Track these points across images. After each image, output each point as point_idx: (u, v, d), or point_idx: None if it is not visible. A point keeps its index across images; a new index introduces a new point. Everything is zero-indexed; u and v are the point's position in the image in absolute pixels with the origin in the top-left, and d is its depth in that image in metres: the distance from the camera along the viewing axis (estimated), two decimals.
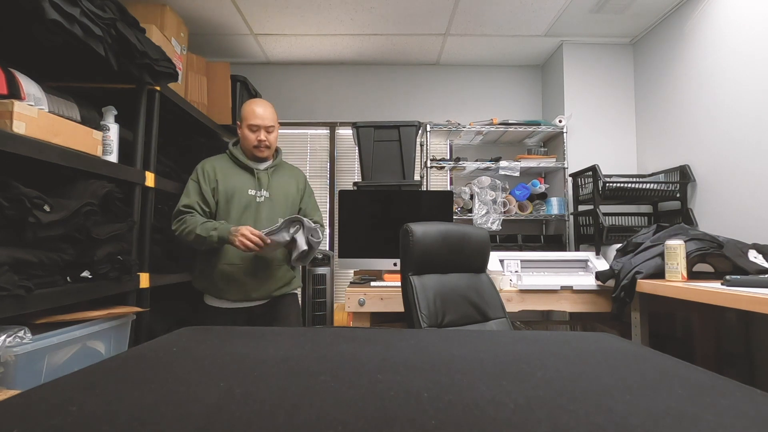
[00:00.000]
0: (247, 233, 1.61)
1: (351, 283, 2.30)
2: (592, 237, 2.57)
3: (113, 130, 1.65)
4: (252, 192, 1.80)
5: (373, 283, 2.20)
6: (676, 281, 1.73)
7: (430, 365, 0.35)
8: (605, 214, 2.54)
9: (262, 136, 1.79)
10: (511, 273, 2.34)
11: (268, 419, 0.24)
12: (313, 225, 1.71)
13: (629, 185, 2.49)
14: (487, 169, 3.00)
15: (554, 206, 2.98)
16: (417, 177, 3.04)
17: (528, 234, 3.03)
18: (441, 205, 2.43)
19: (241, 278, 1.72)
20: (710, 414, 0.25)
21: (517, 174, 2.96)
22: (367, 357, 0.37)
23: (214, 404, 0.26)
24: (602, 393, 0.28)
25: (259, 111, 1.79)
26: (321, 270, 2.91)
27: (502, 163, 2.93)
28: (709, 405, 0.27)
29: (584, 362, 0.36)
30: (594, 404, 0.26)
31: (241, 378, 0.31)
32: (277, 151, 1.93)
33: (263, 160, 1.85)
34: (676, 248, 1.76)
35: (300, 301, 2.06)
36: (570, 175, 2.82)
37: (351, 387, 0.29)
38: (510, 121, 3.01)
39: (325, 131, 3.44)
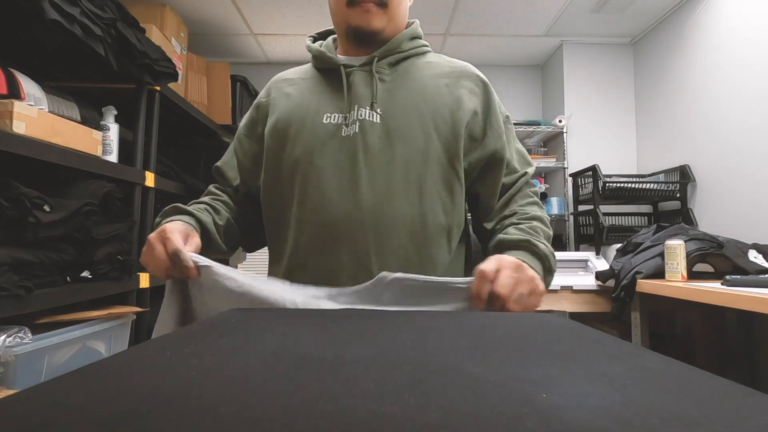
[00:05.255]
0: (155, 237, 0.71)
1: None
2: (592, 237, 2.57)
3: (113, 130, 1.65)
4: (331, 117, 0.84)
5: None
6: (676, 281, 1.73)
7: (429, 364, 0.35)
8: (605, 214, 2.54)
9: None
10: None
11: (269, 419, 0.24)
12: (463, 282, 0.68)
13: (629, 185, 2.49)
14: None
15: (554, 206, 2.98)
16: None
17: None
18: None
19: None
20: (710, 414, 0.25)
21: None
22: (366, 357, 0.37)
23: (214, 404, 0.26)
24: (602, 393, 0.28)
25: None
26: None
27: None
28: (709, 405, 0.27)
29: (583, 362, 0.36)
30: (593, 404, 0.26)
31: (242, 377, 0.31)
32: (408, 32, 0.93)
33: (370, 39, 0.90)
34: (676, 248, 1.76)
35: None
36: (570, 175, 2.83)
37: (350, 386, 0.29)
38: None
39: None
